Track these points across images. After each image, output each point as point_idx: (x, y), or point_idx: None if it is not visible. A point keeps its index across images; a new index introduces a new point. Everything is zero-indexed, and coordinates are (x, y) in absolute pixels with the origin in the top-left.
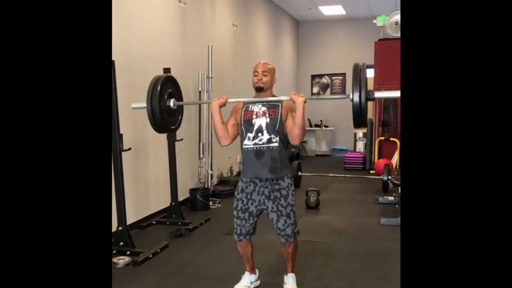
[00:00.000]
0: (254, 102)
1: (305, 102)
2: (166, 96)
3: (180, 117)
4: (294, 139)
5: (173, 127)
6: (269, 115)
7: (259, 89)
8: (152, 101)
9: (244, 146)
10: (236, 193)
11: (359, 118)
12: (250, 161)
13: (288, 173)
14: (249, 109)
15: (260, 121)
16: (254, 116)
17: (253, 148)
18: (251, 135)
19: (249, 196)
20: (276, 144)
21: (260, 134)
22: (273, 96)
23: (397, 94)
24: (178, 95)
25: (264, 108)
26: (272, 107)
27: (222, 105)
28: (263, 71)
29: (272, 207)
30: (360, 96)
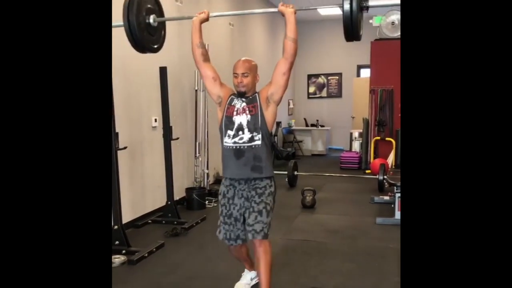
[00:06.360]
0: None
1: (295, 13)
2: (145, 12)
3: (162, 35)
4: (287, 54)
5: (155, 46)
6: (249, 111)
7: (240, 94)
8: (129, 16)
9: (224, 144)
10: (219, 197)
11: (350, 31)
12: (230, 160)
13: (272, 174)
14: (232, 103)
15: (241, 119)
16: (235, 113)
17: (232, 146)
18: (231, 132)
19: (230, 201)
20: (259, 142)
21: (240, 133)
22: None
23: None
24: (159, 11)
25: (244, 104)
26: (251, 101)
27: (204, 21)
28: (243, 73)
29: (247, 205)
30: (351, 4)
